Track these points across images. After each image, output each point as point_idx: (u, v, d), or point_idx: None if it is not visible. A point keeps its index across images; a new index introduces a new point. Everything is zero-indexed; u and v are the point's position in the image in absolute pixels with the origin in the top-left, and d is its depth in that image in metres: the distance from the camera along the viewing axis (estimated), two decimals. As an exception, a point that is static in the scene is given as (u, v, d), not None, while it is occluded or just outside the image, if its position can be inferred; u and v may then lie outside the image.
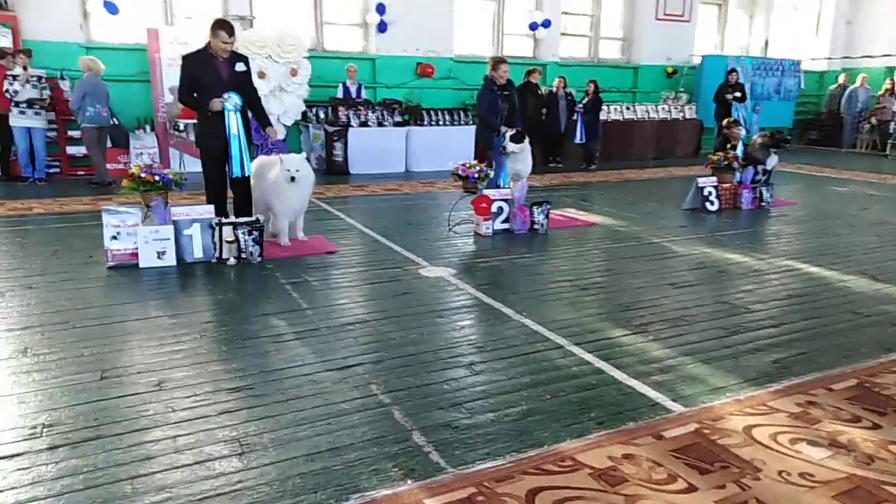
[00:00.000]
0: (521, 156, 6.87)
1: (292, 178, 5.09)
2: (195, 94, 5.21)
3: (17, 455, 2.39)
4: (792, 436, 2.61)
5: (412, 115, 10.77)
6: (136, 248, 4.81)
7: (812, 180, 10.44)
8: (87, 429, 2.57)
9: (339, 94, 10.61)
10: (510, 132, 6.72)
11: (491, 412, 2.76)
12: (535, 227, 6.26)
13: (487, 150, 7.03)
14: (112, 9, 9.54)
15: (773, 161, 8.04)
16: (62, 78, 9.11)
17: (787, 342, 3.61)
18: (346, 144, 10.06)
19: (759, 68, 14.62)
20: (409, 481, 2.27)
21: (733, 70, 12.24)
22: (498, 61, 6.85)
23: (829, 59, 16.29)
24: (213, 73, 5.18)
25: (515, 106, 7.02)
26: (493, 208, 6.11)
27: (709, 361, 3.32)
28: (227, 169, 5.37)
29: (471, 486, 2.24)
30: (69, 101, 8.55)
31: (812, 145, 15.73)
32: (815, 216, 7.50)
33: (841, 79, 15.45)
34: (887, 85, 14.25)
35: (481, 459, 2.40)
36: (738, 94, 11.94)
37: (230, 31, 5.13)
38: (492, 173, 6.58)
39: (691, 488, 2.26)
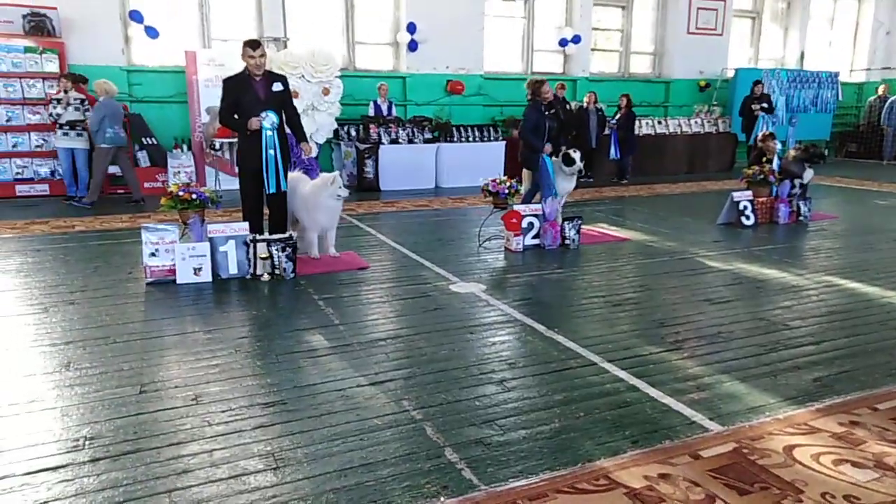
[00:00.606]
0: (573, 175, 6.91)
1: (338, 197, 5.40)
2: (236, 115, 5.37)
3: (62, 467, 2.45)
4: (835, 457, 2.53)
5: (442, 131, 10.85)
6: (174, 265, 4.93)
7: (852, 193, 10.18)
8: (126, 442, 2.63)
9: (371, 112, 10.76)
10: (576, 153, 6.71)
11: (523, 429, 2.74)
12: (567, 242, 6.23)
13: (530, 169, 6.98)
14: (152, 33, 9.88)
15: (808, 175, 7.88)
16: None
17: (829, 360, 3.51)
18: (376, 161, 10.18)
19: (795, 80, 14.36)
20: (442, 498, 2.26)
21: (759, 82, 12.02)
22: (538, 83, 6.82)
23: (868, 69, 15.94)
24: (252, 93, 5.34)
25: (564, 125, 6.99)
26: (524, 224, 6.11)
27: (747, 379, 3.25)
28: (264, 186, 5.48)
29: (504, 504, 2.23)
30: (88, 122, 8.69)
31: (851, 158, 15.37)
32: (856, 230, 7.31)
33: (881, 90, 15.10)
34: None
35: (514, 477, 2.39)
36: (764, 106, 11.70)
37: (254, 45, 5.31)
38: (522, 189, 6.57)
39: (731, 510, 2.20)
